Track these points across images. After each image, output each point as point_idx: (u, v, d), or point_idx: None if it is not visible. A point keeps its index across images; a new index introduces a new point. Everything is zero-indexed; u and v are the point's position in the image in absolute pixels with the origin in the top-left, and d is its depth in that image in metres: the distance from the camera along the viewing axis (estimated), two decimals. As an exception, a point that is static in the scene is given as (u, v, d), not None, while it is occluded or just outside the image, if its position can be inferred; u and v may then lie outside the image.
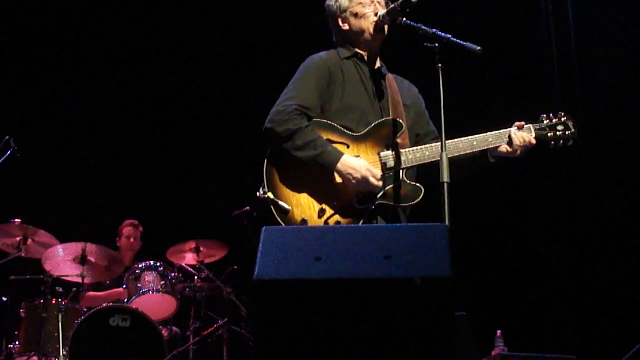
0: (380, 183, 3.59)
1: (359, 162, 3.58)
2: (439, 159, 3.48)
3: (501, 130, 3.77)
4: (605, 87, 7.32)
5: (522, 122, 3.80)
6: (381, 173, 3.62)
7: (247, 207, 6.88)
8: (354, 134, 3.69)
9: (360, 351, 2.47)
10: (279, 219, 3.53)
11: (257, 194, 3.59)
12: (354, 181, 3.56)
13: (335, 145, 3.64)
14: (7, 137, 6.30)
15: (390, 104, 3.82)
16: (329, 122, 3.69)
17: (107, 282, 7.17)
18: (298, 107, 3.65)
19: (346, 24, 3.90)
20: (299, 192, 3.60)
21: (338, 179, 3.60)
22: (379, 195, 3.61)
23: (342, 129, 3.68)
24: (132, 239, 7.53)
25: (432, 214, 3.23)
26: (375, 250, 2.56)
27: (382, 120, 3.74)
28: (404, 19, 3.70)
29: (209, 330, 6.99)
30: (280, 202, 3.55)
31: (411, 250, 2.55)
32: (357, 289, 2.50)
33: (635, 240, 6.78)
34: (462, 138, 3.71)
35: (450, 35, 3.53)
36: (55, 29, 8.41)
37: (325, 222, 3.54)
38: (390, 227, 2.99)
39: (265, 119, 3.70)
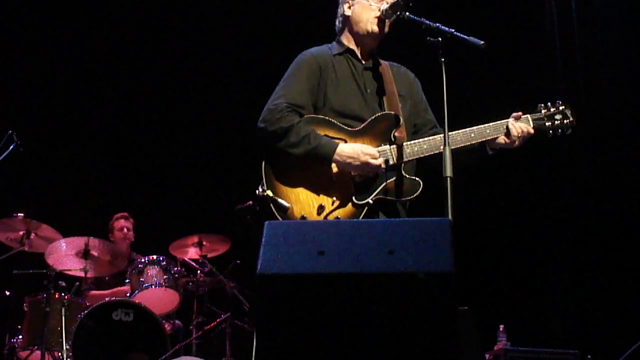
0: (381, 161, 3.58)
1: (355, 148, 3.58)
2: (437, 152, 3.48)
3: (499, 122, 3.75)
4: (608, 76, 7.31)
5: (520, 113, 3.78)
6: (378, 153, 3.61)
7: (250, 202, 6.87)
8: (351, 129, 3.68)
9: (363, 346, 2.47)
10: (278, 217, 3.53)
11: (257, 192, 3.60)
12: (354, 168, 3.56)
13: (332, 140, 3.64)
14: (9, 131, 6.31)
15: (385, 97, 3.80)
16: (325, 117, 3.69)
17: (107, 277, 7.17)
18: (289, 105, 3.66)
19: (350, 10, 3.89)
20: (298, 189, 3.60)
21: (336, 170, 3.59)
22: (377, 190, 3.61)
23: (340, 124, 3.68)
24: (125, 230, 7.51)
25: (430, 207, 3.22)
26: (378, 245, 2.55)
27: (379, 115, 3.73)
28: (407, 13, 3.69)
29: (212, 324, 6.99)
30: (280, 200, 3.55)
31: (414, 245, 2.54)
32: (360, 283, 2.49)
33: (638, 233, 6.78)
34: (460, 130, 3.69)
35: (453, 30, 3.52)
36: (57, 25, 8.41)
37: (325, 218, 3.55)
38: (394, 222, 2.99)
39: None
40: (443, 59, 3.47)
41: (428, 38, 3.54)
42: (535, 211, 7.61)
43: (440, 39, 3.51)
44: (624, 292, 6.81)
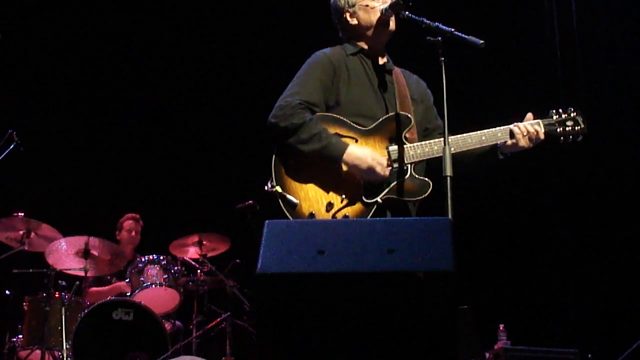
0: (387, 171, 3.59)
1: (364, 152, 3.58)
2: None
3: (509, 125, 3.76)
4: (608, 80, 7.32)
5: (531, 114, 3.78)
6: (387, 162, 3.62)
7: (250, 201, 6.89)
8: (363, 128, 3.68)
9: (363, 345, 2.47)
10: (287, 213, 3.53)
11: (265, 187, 3.60)
12: (361, 171, 3.56)
13: (343, 139, 3.64)
14: (10, 130, 6.31)
15: (397, 98, 3.80)
16: (337, 116, 3.69)
17: (109, 277, 7.18)
18: (301, 102, 3.65)
19: (355, 19, 3.87)
20: (307, 185, 3.60)
21: (345, 170, 3.59)
22: (386, 190, 3.61)
23: (351, 123, 3.68)
24: (133, 233, 7.53)
25: (441, 208, 3.22)
26: (378, 244, 2.55)
27: (390, 115, 3.73)
28: (407, 12, 3.69)
29: (212, 324, 7.00)
30: (289, 196, 3.55)
31: (414, 244, 2.54)
32: (360, 282, 2.49)
33: (638, 234, 6.78)
34: (471, 133, 3.69)
35: (453, 29, 3.52)
36: (58, 25, 8.41)
37: (333, 215, 3.54)
38: (394, 221, 2.99)
39: (269, 113, 3.69)
40: (443, 59, 3.47)
41: (427, 37, 3.54)
42: (536, 210, 7.62)
43: (439, 38, 3.50)
44: (624, 291, 6.81)
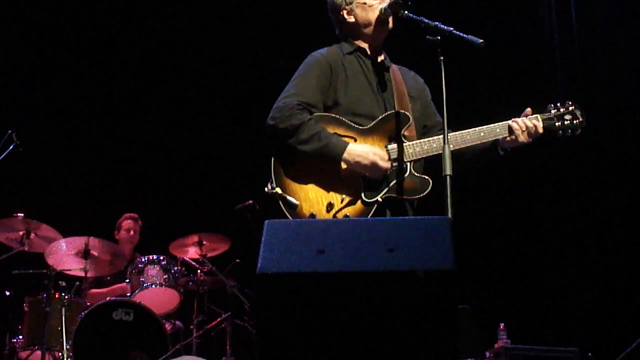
0: (389, 164, 3.59)
1: (364, 148, 3.57)
2: None
3: (508, 121, 3.76)
4: (607, 77, 7.32)
5: (529, 109, 3.79)
6: (387, 156, 3.61)
7: (250, 201, 6.88)
8: (361, 127, 3.68)
9: (363, 345, 2.46)
10: (287, 214, 3.53)
11: (265, 189, 3.59)
12: (363, 168, 3.55)
13: (342, 138, 3.63)
14: (9, 131, 6.30)
15: (395, 96, 3.79)
16: (335, 116, 3.68)
17: (109, 277, 7.18)
18: (300, 103, 3.64)
19: (352, 16, 3.87)
20: (307, 186, 3.59)
21: (345, 168, 3.58)
22: (386, 189, 3.60)
23: (349, 122, 3.67)
24: (132, 232, 7.53)
25: (438, 206, 3.22)
26: (378, 244, 2.55)
27: (389, 113, 3.72)
28: (406, 11, 3.68)
29: (212, 324, 6.99)
30: (289, 197, 3.54)
31: (414, 244, 2.54)
32: (361, 282, 2.49)
33: (638, 232, 6.78)
34: (470, 129, 3.69)
35: (452, 28, 3.51)
36: (58, 25, 8.41)
37: (334, 216, 3.53)
38: (394, 220, 2.99)
39: (267, 113, 3.69)
40: (442, 58, 3.46)
41: (427, 36, 3.53)
42: (536, 209, 7.62)
43: (439, 38, 3.50)
44: (624, 290, 6.81)
